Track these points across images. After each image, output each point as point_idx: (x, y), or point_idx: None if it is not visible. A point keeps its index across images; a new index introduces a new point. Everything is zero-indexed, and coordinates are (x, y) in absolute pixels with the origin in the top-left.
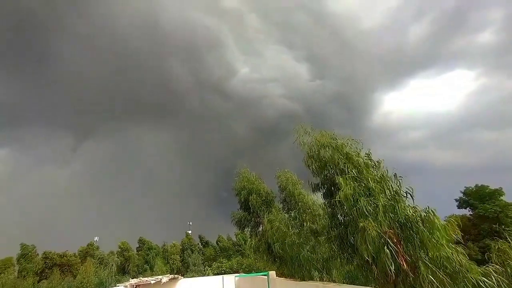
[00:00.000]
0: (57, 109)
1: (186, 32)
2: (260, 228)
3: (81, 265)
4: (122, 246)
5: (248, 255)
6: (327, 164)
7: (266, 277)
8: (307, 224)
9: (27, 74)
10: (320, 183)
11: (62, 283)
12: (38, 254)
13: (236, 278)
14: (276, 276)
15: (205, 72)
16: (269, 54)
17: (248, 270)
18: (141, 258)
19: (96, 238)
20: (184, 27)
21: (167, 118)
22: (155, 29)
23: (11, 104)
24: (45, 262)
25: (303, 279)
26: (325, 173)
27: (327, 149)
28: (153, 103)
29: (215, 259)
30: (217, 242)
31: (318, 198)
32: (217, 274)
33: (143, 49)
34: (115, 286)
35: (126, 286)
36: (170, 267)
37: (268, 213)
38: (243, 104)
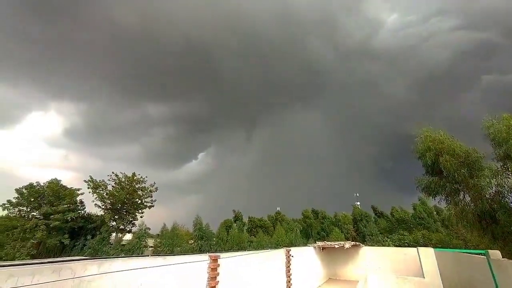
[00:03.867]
0: (232, 112)
1: (318, 5)
2: (461, 196)
3: (273, 228)
4: (305, 214)
5: (436, 229)
6: None
7: (484, 257)
8: None
9: (207, 92)
10: None
11: (265, 239)
12: (243, 218)
13: (436, 252)
14: (503, 257)
15: (346, 39)
16: None
17: (441, 246)
18: (318, 226)
19: (278, 208)
20: (315, 1)
21: (317, 96)
22: (287, 14)
23: (205, 115)
24: (250, 223)
25: None
26: None
27: None
28: (301, 85)
29: (392, 231)
30: (391, 214)
31: None
32: (399, 246)
33: (282, 36)
34: (305, 246)
35: (314, 247)
36: (345, 236)
37: (474, 177)
38: (397, 57)
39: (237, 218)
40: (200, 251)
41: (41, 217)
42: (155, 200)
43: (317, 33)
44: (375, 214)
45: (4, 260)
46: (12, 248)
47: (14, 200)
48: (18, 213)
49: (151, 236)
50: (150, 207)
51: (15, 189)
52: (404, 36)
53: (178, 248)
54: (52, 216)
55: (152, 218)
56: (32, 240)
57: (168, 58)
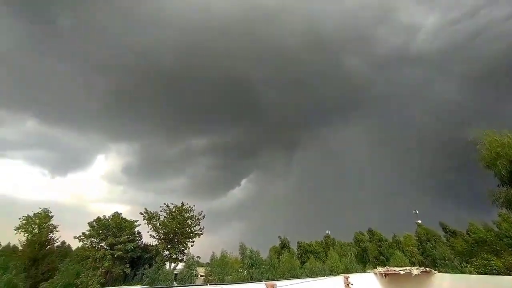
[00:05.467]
0: (271, 137)
1: (347, 20)
2: None
3: (325, 253)
4: (358, 237)
5: None
6: None
7: None
8: None
9: (246, 120)
10: None
11: (317, 264)
12: (290, 244)
13: None
14: None
15: (380, 49)
16: None
17: None
18: (374, 250)
19: (328, 231)
20: (344, 18)
21: (357, 111)
22: (318, 33)
23: (246, 143)
24: (299, 249)
25: None
26: None
27: None
28: (339, 101)
29: (472, 254)
30: (467, 233)
31: None
32: (485, 273)
33: (314, 57)
34: (363, 272)
35: (375, 273)
36: (409, 260)
37: None
38: (441, 60)
39: (284, 244)
40: (251, 279)
41: (108, 248)
42: (203, 228)
43: (349, 48)
44: (446, 232)
45: None
46: (85, 277)
47: (87, 233)
48: (90, 244)
49: (201, 265)
50: (199, 235)
51: (88, 223)
52: (447, 36)
53: (229, 277)
54: (116, 246)
55: (201, 247)
56: (101, 269)
57: (205, 91)
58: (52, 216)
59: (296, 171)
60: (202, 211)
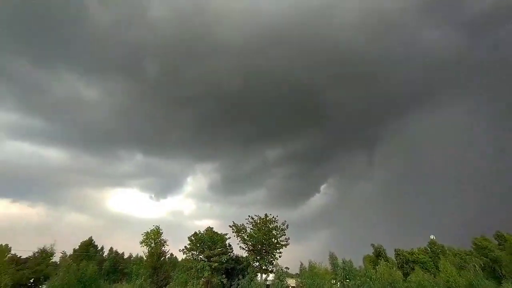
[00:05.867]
0: (345, 138)
1: None
2: None
3: (433, 263)
4: (479, 243)
5: None
6: None
7: None
8: None
9: (317, 125)
10: None
11: (427, 278)
12: (386, 252)
13: None
14: None
15: (471, 8)
16: None
17: None
18: (510, 261)
19: (432, 236)
20: None
21: (447, 90)
22: (380, 12)
23: (319, 148)
24: (398, 258)
25: None
26: None
27: None
28: (421, 85)
29: None
30: None
31: None
32: None
33: (382, 42)
34: None
35: None
36: None
37: None
38: None
39: (379, 253)
40: None
41: (205, 260)
42: (288, 238)
43: (428, 20)
44: None
45: None
46: (192, 285)
47: (188, 246)
48: (191, 256)
49: (291, 276)
50: (285, 245)
51: (188, 237)
52: None
53: None
54: (212, 258)
55: (288, 257)
56: (202, 279)
57: (273, 104)
58: (162, 232)
59: (379, 169)
60: (285, 221)
